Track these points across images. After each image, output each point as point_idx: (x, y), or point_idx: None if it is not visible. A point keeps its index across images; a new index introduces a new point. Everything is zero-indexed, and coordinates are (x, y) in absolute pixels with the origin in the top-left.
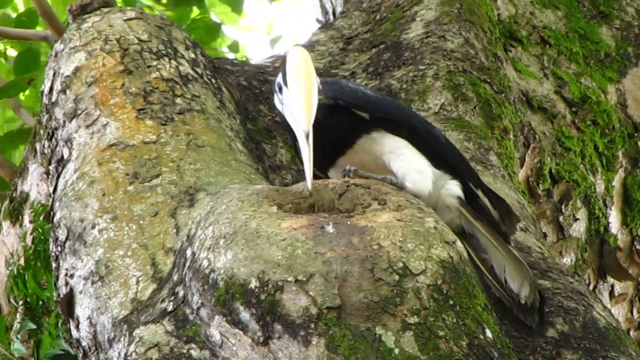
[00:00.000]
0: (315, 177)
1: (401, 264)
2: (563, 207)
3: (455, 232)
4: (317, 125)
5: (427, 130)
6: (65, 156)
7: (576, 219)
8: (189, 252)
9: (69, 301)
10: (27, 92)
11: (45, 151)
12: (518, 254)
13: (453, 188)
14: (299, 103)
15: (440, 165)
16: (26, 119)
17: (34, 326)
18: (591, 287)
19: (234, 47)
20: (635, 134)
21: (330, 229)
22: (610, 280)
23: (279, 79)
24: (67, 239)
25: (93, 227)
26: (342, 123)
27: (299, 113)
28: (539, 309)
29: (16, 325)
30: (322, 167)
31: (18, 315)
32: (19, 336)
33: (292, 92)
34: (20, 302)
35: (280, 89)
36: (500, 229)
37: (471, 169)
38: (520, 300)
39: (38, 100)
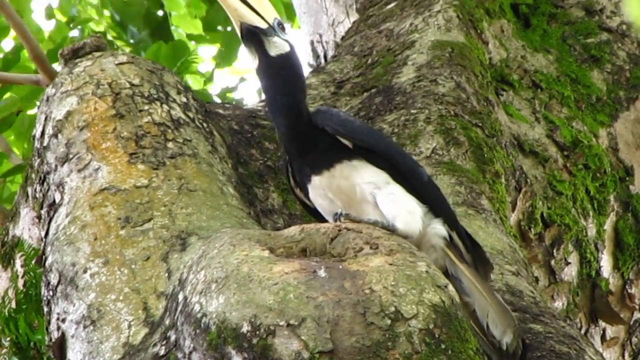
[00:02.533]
0: (303, 205)
1: (393, 308)
2: (555, 251)
3: None
4: (300, 135)
5: (410, 166)
6: (57, 200)
7: (568, 263)
8: (180, 297)
9: (60, 345)
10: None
11: (37, 195)
12: (502, 299)
13: (439, 228)
14: None
15: (425, 203)
16: (16, 163)
17: None
18: (583, 331)
19: (222, 95)
20: (627, 178)
21: (322, 273)
22: (602, 324)
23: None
24: (59, 283)
25: (85, 272)
26: (326, 145)
27: None
28: (521, 358)
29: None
30: (301, 181)
31: (4, 354)
32: None
33: None
34: (8, 340)
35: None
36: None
37: (451, 209)
38: (501, 347)
39: (23, 140)
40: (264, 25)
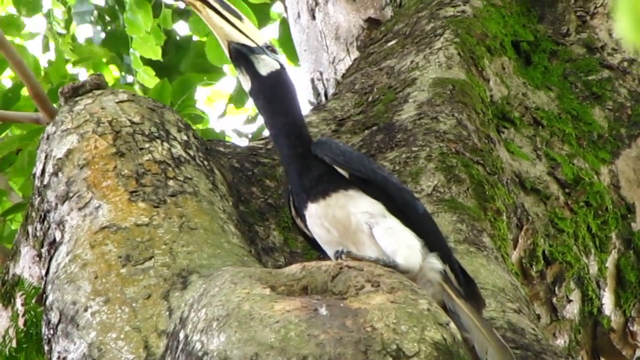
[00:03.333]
0: (302, 234)
1: (395, 346)
2: (556, 288)
3: None
4: (300, 156)
5: (406, 199)
6: (58, 239)
7: (569, 301)
8: (181, 335)
9: None
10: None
11: (38, 234)
12: (501, 337)
13: (435, 262)
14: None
15: (421, 237)
16: (16, 201)
17: None
18: None
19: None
20: (629, 215)
21: (323, 311)
22: None
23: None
24: (59, 321)
25: (86, 310)
26: (323, 172)
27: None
28: None
29: None
30: (299, 207)
31: None
32: None
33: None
34: None
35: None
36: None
37: (446, 244)
38: None
39: (22, 177)
40: (252, 45)
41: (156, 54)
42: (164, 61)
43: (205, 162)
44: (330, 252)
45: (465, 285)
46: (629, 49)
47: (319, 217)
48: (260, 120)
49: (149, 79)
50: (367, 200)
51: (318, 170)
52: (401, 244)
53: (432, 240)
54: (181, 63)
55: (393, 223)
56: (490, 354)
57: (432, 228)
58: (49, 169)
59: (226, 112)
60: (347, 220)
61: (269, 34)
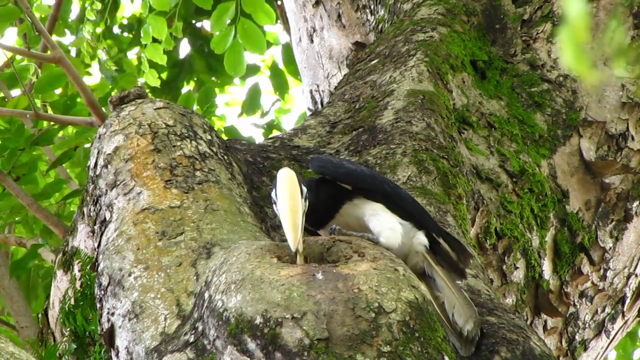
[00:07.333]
0: (310, 233)
1: (377, 304)
2: (506, 258)
3: (418, 272)
4: (311, 195)
5: (397, 193)
6: (107, 218)
7: (516, 268)
8: (206, 295)
9: (110, 334)
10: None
11: (91, 214)
12: (468, 295)
13: (421, 238)
14: (286, 227)
15: (409, 220)
16: (74, 188)
17: (74, 346)
18: (529, 322)
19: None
20: (564, 200)
21: (319, 276)
22: (544, 316)
23: (273, 194)
24: (108, 284)
25: (130, 275)
26: (330, 193)
27: (287, 235)
28: (478, 342)
29: (64, 346)
30: (315, 226)
31: (65, 341)
32: (66, 357)
33: (281, 216)
34: (68, 330)
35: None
36: (457, 266)
37: (433, 220)
38: (462, 333)
39: (78, 169)
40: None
41: (162, 60)
42: (169, 78)
43: (225, 157)
44: (321, 230)
45: (455, 246)
46: (564, 67)
47: (334, 225)
48: (271, 114)
49: (153, 79)
50: (370, 204)
51: (323, 191)
52: (385, 227)
53: (421, 221)
54: (179, 81)
55: (382, 212)
56: (457, 308)
57: (420, 211)
58: (101, 162)
59: (243, 112)
60: (357, 223)
61: (274, 53)
